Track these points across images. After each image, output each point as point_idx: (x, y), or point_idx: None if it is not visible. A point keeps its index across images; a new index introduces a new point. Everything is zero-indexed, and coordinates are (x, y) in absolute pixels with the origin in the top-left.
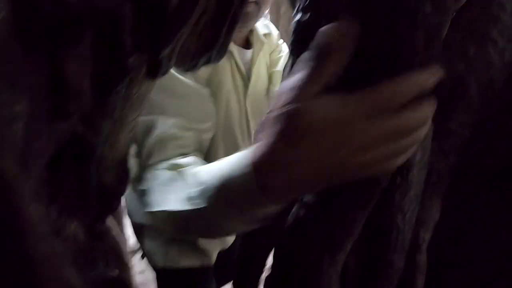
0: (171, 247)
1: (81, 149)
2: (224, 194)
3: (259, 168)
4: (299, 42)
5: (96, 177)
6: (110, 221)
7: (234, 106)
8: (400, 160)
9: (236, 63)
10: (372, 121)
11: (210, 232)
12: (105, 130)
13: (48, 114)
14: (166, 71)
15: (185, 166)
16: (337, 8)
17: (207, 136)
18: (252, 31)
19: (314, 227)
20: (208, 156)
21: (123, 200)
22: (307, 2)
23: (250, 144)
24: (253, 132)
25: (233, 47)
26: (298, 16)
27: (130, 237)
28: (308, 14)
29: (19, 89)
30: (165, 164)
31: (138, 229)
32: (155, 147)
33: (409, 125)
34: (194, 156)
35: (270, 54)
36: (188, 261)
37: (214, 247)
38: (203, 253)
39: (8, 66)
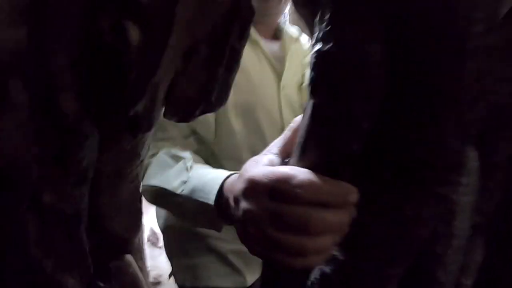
0: (200, 264)
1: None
2: (198, 194)
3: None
4: (320, 78)
5: (101, 226)
6: (128, 257)
7: (263, 98)
8: (302, 261)
9: (263, 53)
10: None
11: (179, 213)
12: (81, 196)
13: None
14: (149, 125)
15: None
16: (364, 36)
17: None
18: (278, 27)
19: (343, 283)
20: (222, 144)
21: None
22: (327, 29)
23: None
24: (286, 123)
25: (258, 38)
26: (318, 46)
27: (155, 268)
28: (330, 44)
29: None
30: (167, 150)
31: (170, 247)
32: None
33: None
34: (192, 153)
35: (301, 58)
36: (219, 281)
37: (250, 269)
38: (237, 272)
39: None
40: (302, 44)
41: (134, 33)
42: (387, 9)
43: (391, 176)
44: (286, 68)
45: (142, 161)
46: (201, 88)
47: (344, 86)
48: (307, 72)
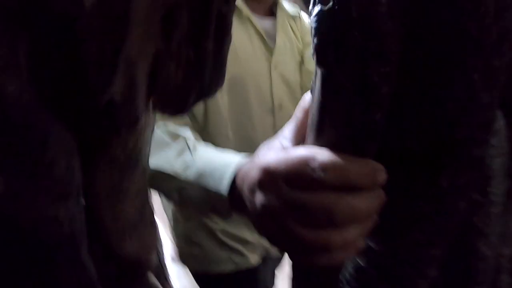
0: (200, 251)
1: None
2: (206, 181)
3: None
4: (324, 42)
5: (110, 251)
6: (150, 279)
7: (252, 75)
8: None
9: (254, 29)
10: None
11: (180, 199)
12: (70, 215)
13: None
14: (132, 116)
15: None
16: None
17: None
18: (276, 3)
19: (381, 274)
20: (210, 120)
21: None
22: None
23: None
24: (277, 104)
25: (249, 13)
26: (319, 8)
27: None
28: (330, 2)
29: None
30: (162, 126)
31: (173, 232)
32: None
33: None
34: (190, 130)
35: (302, 37)
36: (222, 266)
37: (249, 248)
38: (237, 254)
39: None
40: (302, 21)
41: None
42: None
43: (422, 147)
44: (278, 45)
45: (144, 170)
46: (191, 68)
47: (353, 46)
48: (309, 52)
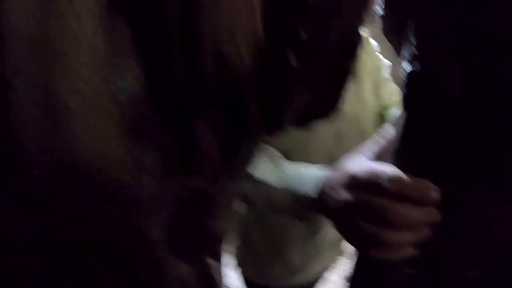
0: (258, 261)
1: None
2: (294, 186)
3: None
4: (413, 94)
5: (204, 224)
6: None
7: None
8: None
9: None
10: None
11: (259, 201)
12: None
13: (176, 171)
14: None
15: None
16: (446, 59)
17: None
18: None
19: (423, 284)
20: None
21: None
22: (416, 55)
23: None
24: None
25: None
26: (412, 68)
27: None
28: (419, 67)
29: (150, 146)
30: None
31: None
32: None
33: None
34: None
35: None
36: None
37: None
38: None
39: (143, 128)
40: (377, 57)
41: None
42: (463, 33)
43: (473, 178)
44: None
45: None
46: (319, 99)
47: (431, 99)
48: (386, 89)
